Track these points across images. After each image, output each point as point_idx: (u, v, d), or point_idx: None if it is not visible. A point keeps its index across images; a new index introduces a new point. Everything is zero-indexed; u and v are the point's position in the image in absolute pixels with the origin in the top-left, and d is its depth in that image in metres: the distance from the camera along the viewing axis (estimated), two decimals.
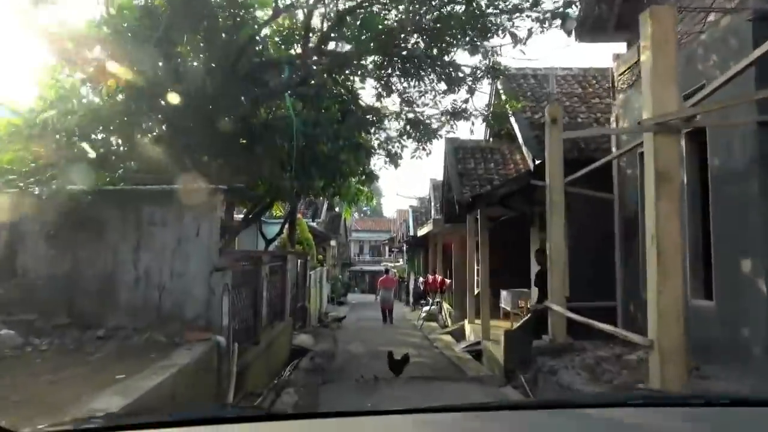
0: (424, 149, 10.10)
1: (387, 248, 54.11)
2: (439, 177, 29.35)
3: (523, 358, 8.85)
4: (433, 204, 26.00)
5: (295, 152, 9.24)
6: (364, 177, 10.84)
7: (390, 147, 10.61)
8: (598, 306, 8.11)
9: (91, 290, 6.22)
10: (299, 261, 14.63)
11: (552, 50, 13.69)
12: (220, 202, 6.36)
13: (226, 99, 7.66)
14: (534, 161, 8.45)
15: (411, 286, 27.01)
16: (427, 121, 9.87)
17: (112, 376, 4.40)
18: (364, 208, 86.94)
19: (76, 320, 5.97)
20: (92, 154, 7.47)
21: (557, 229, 7.82)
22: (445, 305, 17.86)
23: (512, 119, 10.03)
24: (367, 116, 8.57)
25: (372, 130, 10.22)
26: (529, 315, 9.13)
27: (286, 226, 18.56)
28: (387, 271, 24.14)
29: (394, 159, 10.60)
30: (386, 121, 10.50)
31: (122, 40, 7.29)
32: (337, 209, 36.32)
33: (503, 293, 14.33)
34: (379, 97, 9.00)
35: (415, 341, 14.15)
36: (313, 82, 8.68)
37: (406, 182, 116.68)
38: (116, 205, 6.36)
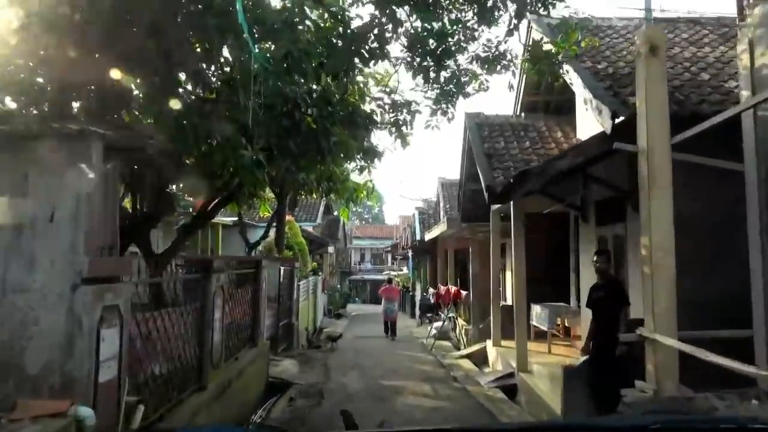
0: (444, 113, 7.28)
1: (390, 256, 51.20)
2: (449, 175, 26.56)
3: (593, 408, 6.01)
4: (442, 205, 23.15)
5: (262, 110, 6.45)
6: (362, 155, 8.05)
7: (398, 113, 7.78)
8: (719, 337, 5.26)
9: None
10: (283, 269, 11.80)
11: None
12: (98, 156, 3.52)
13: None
14: (614, 117, 5.62)
15: (417, 298, 24.11)
16: (450, 71, 7.04)
17: None
18: (366, 216, 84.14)
19: None
20: None
21: (662, 218, 4.97)
22: (460, 321, 14.99)
23: (567, 73, 7.20)
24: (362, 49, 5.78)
25: (372, 67, 7.39)
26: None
27: (275, 229, 15.79)
28: (390, 280, 21.90)
29: (402, 133, 7.79)
30: (393, 73, 7.68)
31: None
32: (335, 213, 33.52)
33: (535, 308, 11.49)
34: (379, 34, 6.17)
35: (427, 369, 11.27)
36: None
37: (409, 186, 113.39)
38: None
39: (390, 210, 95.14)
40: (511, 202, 9.16)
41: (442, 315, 15.56)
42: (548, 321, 11.06)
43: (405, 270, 38.67)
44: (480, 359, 12.63)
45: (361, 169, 10.63)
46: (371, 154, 8.03)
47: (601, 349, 5.97)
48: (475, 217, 13.02)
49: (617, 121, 5.74)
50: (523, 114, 10.79)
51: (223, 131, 6.08)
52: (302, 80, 6.39)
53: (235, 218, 20.67)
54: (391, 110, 8.14)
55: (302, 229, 24.30)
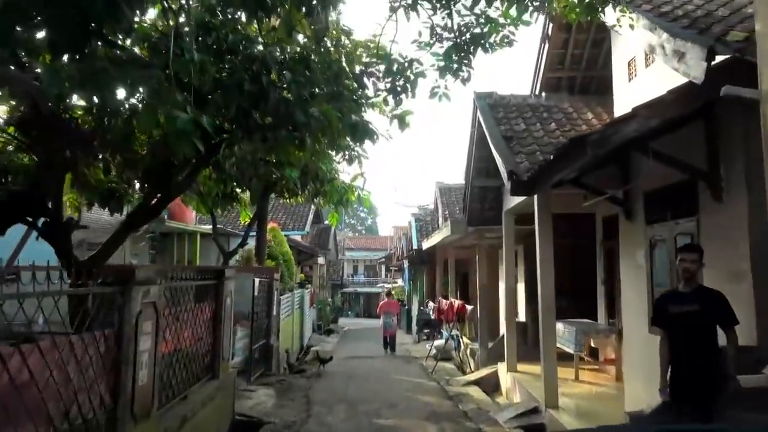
0: (456, 72, 5.50)
1: (383, 267, 49.27)
2: (447, 180, 24.66)
3: None
4: (440, 211, 21.35)
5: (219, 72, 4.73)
6: (351, 133, 6.22)
7: (395, 78, 5.98)
8: None
9: None
10: (258, 281, 9.93)
11: None
12: None
13: None
14: (710, 56, 3.85)
15: (414, 312, 22.21)
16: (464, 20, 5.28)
17: None
18: (359, 227, 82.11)
19: None
20: None
21: None
22: (465, 340, 13.12)
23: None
24: None
25: None
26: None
27: (255, 236, 13.92)
28: (389, 293, 20.42)
29: (399, 101, 6.00)
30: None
31: None
32: (326, 222, 31.64)
33: (557, 326, 9.67)
34: None
35: (431, 402, 9.38)
36: None
37: (403, 194, 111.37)
38: None
39: (383, 222, 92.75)
40: (535, 197, 7.36)
41: (444, 332, 13.67)
42: (575, 342, 9.26)
43: (400, 282, 36.80)
44: (491, 386, 10.77)
45: (350, 159, 8.83)
46: (362, 132, 6.20)
47: (692, 388, 4.13)
48: (483, 219, 11.24)
49: (712, 62, 3.96)
50: (543, 94, 9.06)
51: (149, 82, 4.27)
52: (263, 14, 4.58)
53: (217, 227, 18.94)
54: (386, 77, 6.35)
55: (289, 239, 22.42)
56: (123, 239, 6.20)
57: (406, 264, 23.18)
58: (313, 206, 25.90)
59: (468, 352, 13.02)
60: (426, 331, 20.25)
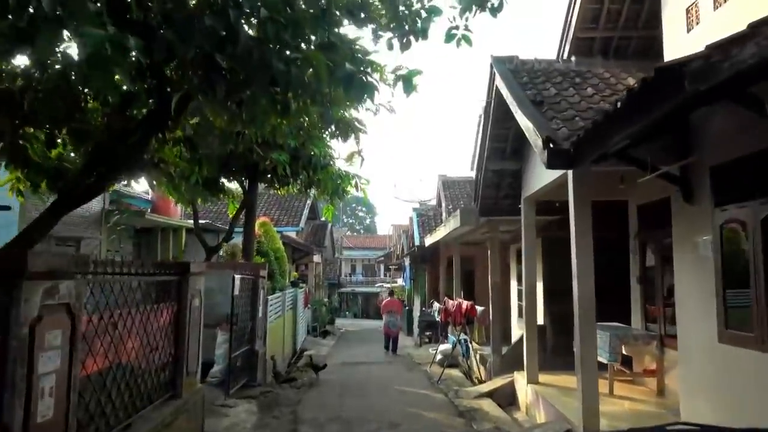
0: (482, 3, 4.16)
1: (382, 267, 47.88)
2: (451, 173, 23.25)
3: None
4: (444, 206, 20.01)
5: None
6: (345, 88, 4.87)
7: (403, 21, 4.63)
8: None
9: None
10: (239, 278, 8.56)
11: None
12: None
13: None
14: None
15: (416, 313, 20.85)
16: None
17: None
18: (357, 227, 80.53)
19: None
20: None
21: None
22: (474, 345, 11.76)
23: None
24: None
25: None
26: None
27: (243, 231, 12.54)
28: (391, 293, 20.14)
29: (407, 41, 4.66)
30: None
31: None
32: (323, 218, 30.25)
33: None
34: None
35: (439, 419, 8.03)
36: None
37: (403, 190, 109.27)
38: None
39: (382, 221, 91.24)
40: (570, 176, 6.01)
41: (451, 336, 12.30)
42: (609, 350, 7.91)
43: (400, 281, 35.48)
44: (506, 399, 9.43)
45: (344, 131, 7.49)
46: (359, 86, 4.82)
47: None
48: (498, 209, 9.89)
49: None
50: (573, 58, 7.71)
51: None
52: None
53: (204, 221, 17.57)
54: (390, 22, 4.99)
55: (283, 236, 21.05)
56: (52, 223, 4.83)
57: (407, 262, 21.83)
58: (308, 201, 24.58)
59: (477, 358, 11.67)
60: (428, 333, 18.91)
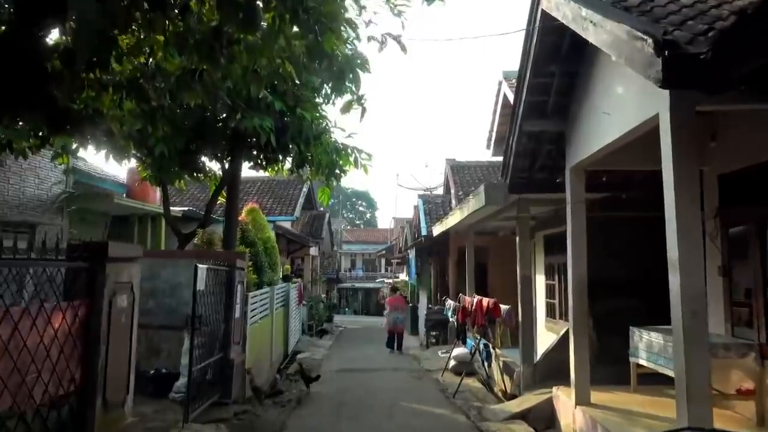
0: None
1: (383, 261, 45.98)
2: (460, 157, 21.23)
3: None
4: (453, 192, 18.06)
5: None
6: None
7: None
8: None
9: None
10: (201, 268, 6.59)
11: None
12: None
13: None
14: None
15: (423, 311, 18.92)
16: None
17: None
18: (357, 222, 78.28)
19: None
20: None
21: None
22: (497, 351, 9.83)
23: None
24: None
25: None
26: None
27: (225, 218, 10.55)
28: (395, 289, 19.66)
29: None
30: None
31: None
32: (320, 208, 28.27)
33: (642, 335, 6.49)
34: None
35: None
36: None
37: (405, 180, 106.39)
38: None
39: (383, 216, 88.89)
40: (665, 118, 4.08)
41: (470, 340, 10.36)
42: None
43: (402, 276, 33.60)
44: (544, 421, 7.54)
45: (339, 80, 5.61)
46: None
47: None
48: (532, 184, 7.97)
49: None
50: None
51: None
52: None
53: (185, 208, 15.64)
54: None
55: (276, 225, 19.14)
56: None
57: (411, 255, 19.91)
58: (304, 189, 22.61)
59: (500, 366, 9.75)
60: (434, 333, 17.01)
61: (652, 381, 6.69)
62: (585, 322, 7.08)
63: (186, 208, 15.50)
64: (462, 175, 18.92)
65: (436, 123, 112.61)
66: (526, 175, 7.93)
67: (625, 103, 5.18)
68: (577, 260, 6.86)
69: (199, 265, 6.39)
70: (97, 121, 5.71)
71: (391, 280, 30.46)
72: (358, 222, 77.67)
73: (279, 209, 20.82)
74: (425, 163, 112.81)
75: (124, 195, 14.47)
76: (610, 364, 7.47)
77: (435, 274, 18.67)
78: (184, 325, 7.34)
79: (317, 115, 9.44)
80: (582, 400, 6.68)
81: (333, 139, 9.89)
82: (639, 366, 6.86)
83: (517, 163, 7.68)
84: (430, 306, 18.01)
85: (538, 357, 8.84)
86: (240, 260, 8.00)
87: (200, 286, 6.44)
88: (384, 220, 75.58)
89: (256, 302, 10.00)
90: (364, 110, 5.79)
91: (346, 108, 5.75)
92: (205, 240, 10.29)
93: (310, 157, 10.02)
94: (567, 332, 8.70)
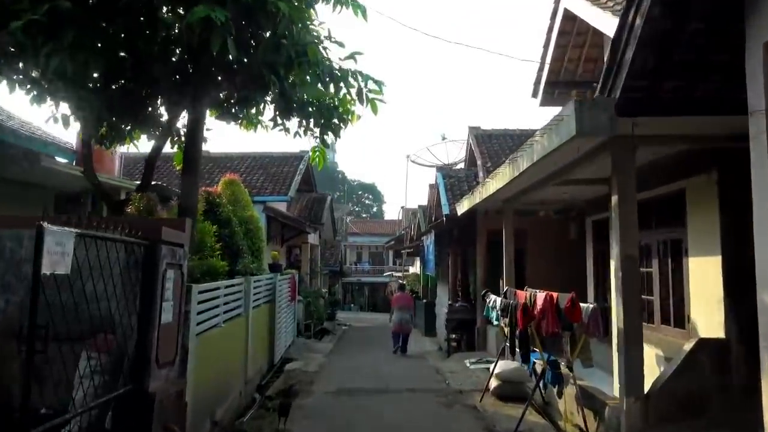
0: None
1: (391, 253, 42.71)
2: (481, 122, 17.74)
3: None
4: (480, 163, 14.73)
5: None
6: None
7: None
8: None
9: None
10: (61, 234, 3.32)
11: None
12: None
13: None
14: None
15: (442, 309, 15.66)
16: None
17: None
18: (364, 215, 74.76)
19: None
20: None
21: None
22: (572, 371, 6.56)
23: None
24: None
25: None
26: None
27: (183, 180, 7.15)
28: (402, 287, 17.99)
29: None
30: None
31: None
32: (320, 191, 24.99)
33: None
34: None
35: None
36: None
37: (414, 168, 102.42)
38: None
39: (390, 209, 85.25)
40: None
41: (535, 356, 7.01)
42: None
43: (413, 269, 30.45)
44: None
45: None
46: None
47: None
48: (657, 100, 4.70)
49: None
50: None
51: None
52: None
53: (155, 183, 12.44)
54: None
55: (267, 207, 15.95)
56: None
57: (427, 242, 16.65)
58: (301, 166, 19.38)
59: (577, 393, 6.48)
60: (454, 336, 13.82)
61: None
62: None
63: (157, 182, 12.33)
64: (490, 144, 15.64)
65: (452, 89, 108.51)
66: (647, 84, 4.68)
67: None
68: (762, 226, 3.57)
69: (50, 228, 3.13)
70: None
71: (400, 273, 27.26)
72: (364, 215, 74.53)
73: (271, 188, 17.61)
74: (442, 134, 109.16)
75: (73, 163, 11.31)
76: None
77: (457, 264, 15.41)
78: (81, 335, 4.17)
79: (302, 16, 6.14)
80: None
81: (327, 58, 6.56)
82: None
83: (638, 60, 4.39)
84: (450, 303, 14.76)
85: (648, 386, 5.59)
86: (173, 231, 4.72)
87: (52, 268, 3.19)
88: (391, 214, 72.31)
89: (213, 297, 6.81)
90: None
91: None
92: (141, 207, 7.06)
93: (296, 97, 6.78)
94: (698, 347, 5.56)
